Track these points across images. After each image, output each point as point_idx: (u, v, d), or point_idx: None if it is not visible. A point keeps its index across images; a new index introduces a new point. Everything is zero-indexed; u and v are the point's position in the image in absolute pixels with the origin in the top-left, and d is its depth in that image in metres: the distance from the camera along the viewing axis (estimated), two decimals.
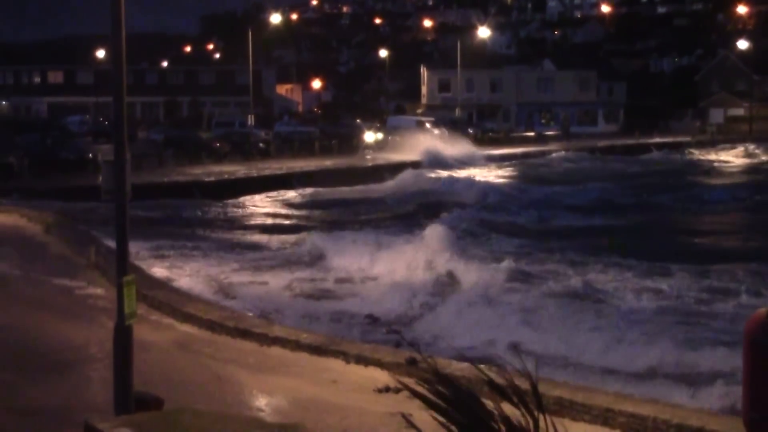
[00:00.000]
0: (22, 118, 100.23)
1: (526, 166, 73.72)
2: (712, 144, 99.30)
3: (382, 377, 13.00)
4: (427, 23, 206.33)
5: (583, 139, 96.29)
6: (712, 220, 44.58)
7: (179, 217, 42.25)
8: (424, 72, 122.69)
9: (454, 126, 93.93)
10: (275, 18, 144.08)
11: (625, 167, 74.09)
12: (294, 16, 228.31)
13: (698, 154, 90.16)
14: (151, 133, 77.16)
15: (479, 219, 39.92)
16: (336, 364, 14.64)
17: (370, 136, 79.39)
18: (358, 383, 13.48)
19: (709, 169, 74.55)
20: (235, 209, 47.23)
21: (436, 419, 5.06)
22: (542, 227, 39.91)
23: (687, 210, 47.48)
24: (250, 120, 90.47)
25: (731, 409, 12.92)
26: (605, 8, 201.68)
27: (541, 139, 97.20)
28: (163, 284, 21.10)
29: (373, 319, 20.81)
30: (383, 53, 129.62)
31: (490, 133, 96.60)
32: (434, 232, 31.58)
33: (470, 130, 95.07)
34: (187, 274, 26.73)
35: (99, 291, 20.65)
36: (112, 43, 11.45)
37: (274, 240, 35.88)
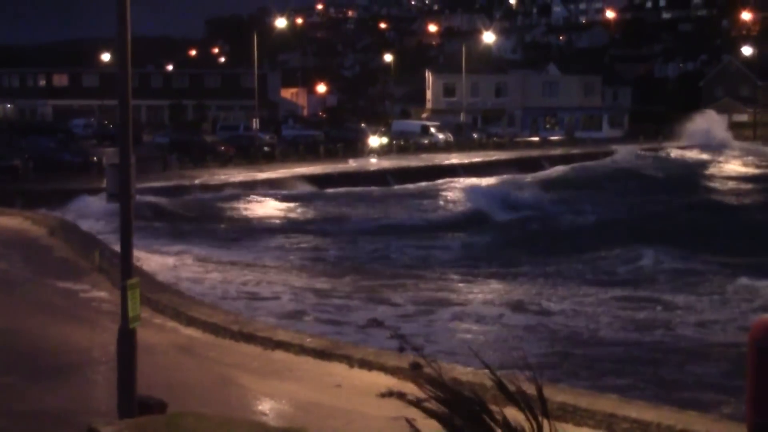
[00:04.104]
0: (27, 121, 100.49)
1: None
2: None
3: (386, 381, 12.98)
4: (432, 28, 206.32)
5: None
6: None
7: None
8: (429, 76, 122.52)
9: (458, 130, 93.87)
10: (281, 22, 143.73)
11: None
12: (299, 21, 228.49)
13: None
14: (156, 136, 77.15)
15: None
16: (340, 369, 14.61)
17: (374, 140, 79.36)
18: (362, 387, 13.45)
19: None
20: None
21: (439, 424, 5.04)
22: None
23: None
24: (255, 124, 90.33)
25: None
26: (610, 13, 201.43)
27: (544, 143, 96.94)
28: (167, 287, 21.09)
29: (377, 323, 20.74)
30: (388, 57, 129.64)
31: (495, 138, 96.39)
32: None
33: (475, 135, 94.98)
34: None
35: (103, 294, 20.67)
36: (118, 46, 11.47)
37: None
